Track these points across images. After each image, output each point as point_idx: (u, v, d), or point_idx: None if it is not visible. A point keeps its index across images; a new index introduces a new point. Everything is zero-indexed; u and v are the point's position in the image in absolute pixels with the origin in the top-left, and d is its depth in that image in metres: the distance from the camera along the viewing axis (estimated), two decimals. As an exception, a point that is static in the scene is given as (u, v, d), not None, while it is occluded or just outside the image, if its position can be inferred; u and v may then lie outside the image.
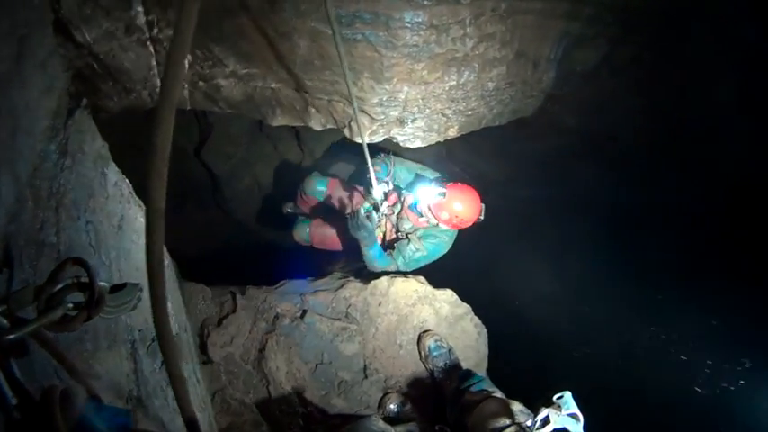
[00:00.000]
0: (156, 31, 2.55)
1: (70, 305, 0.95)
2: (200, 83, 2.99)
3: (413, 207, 3.26)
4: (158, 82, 2.95)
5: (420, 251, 3.21)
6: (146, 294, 1.88)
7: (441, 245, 3.25)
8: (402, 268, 3.26)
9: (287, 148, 4.72)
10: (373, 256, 3.17)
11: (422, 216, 3.20)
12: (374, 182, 2.99)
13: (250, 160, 4.46)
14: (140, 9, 2.34)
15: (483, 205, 3.12)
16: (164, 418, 1.73)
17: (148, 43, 2.58)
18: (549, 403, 2.14)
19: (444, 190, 3.01)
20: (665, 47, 3.28)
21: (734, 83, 3.34)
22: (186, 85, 3.00)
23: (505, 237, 4.27)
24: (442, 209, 3.02)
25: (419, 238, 3.25)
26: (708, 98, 3.38)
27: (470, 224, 3.09)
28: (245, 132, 4.34)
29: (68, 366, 1.00)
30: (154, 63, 2.77)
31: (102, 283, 1.02)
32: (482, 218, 3.15)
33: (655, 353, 3.52)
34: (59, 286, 0.96)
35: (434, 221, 3.14)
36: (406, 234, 3.33)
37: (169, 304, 2.16)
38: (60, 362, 0.99)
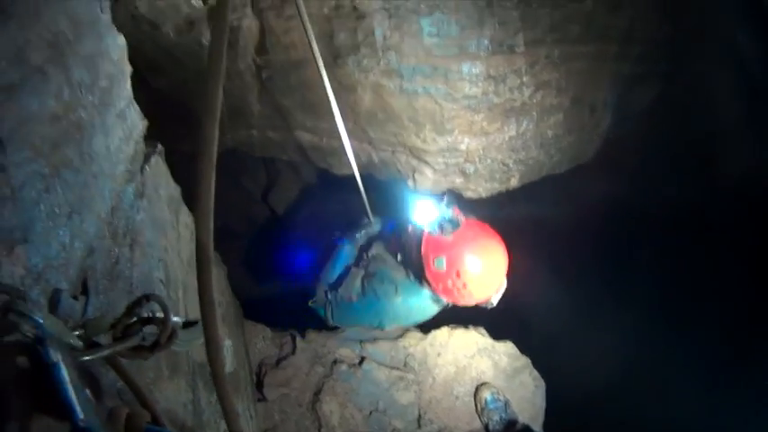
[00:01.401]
0: (225, 80, 2.80)
1: (143, 336, 1.07)
2: (269, 132, 3.22)
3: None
4: (228, 129, 3.21)
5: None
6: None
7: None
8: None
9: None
10: None
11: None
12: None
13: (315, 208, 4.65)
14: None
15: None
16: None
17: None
18: None
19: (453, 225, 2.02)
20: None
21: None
22: (255, 133, 3.24)
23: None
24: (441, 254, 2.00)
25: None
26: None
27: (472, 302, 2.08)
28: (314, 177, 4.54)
29: (134, 390, 1.10)
30: (224, 110, 3.03)
31: (175, 319, 1.14)
32: (493, 302, 2.10)
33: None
34: (135, 318, 1.09)
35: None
36: None
37: (228, 341, 2.30)
38: (128, 385, 1.09)
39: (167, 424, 1.34)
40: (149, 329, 1.08)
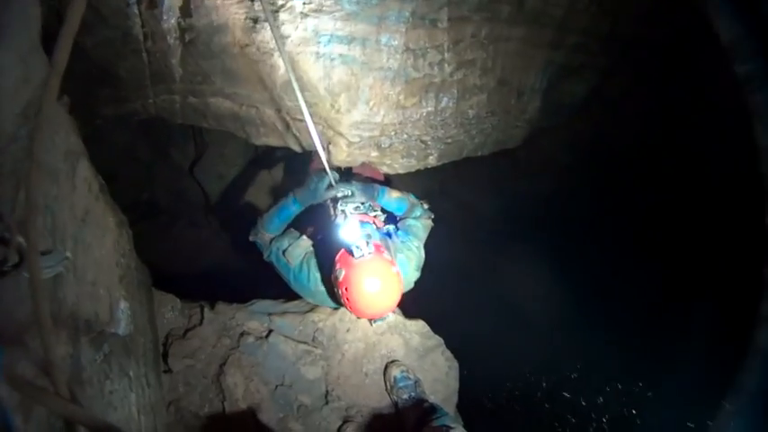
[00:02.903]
0: (150, 43, 2.88)
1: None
2: (191, 97, 3.31)
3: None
4: (151, 93, 3.30)
5: None
6: (101, 291, 2.15)
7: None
8: None
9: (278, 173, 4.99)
10: None
11: None
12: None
13: (243, 182, 4.77)
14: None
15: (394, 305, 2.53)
16: (93, 409, 1.94)
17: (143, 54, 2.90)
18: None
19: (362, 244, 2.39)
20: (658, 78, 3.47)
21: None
22: (177, 98, 3.33)
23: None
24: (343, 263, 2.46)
25: None
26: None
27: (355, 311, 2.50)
28: (240, 154, 4.66)
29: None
30: (147, 73, 3.11)
31: (21, 240, 1.26)
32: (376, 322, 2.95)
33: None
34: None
35: None
36: None
37: (125, 302, 2.42)
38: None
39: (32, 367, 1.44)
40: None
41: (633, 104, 3.64)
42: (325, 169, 2.74)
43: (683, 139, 3.69)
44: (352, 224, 2.55)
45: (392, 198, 2.93)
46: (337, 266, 2.47)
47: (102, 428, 1.12)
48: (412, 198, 2.99)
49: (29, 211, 1.03)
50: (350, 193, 2.80)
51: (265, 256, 2.91)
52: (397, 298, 2.47)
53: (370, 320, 2.99)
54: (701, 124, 3.46)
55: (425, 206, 3.00)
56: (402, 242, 2.84)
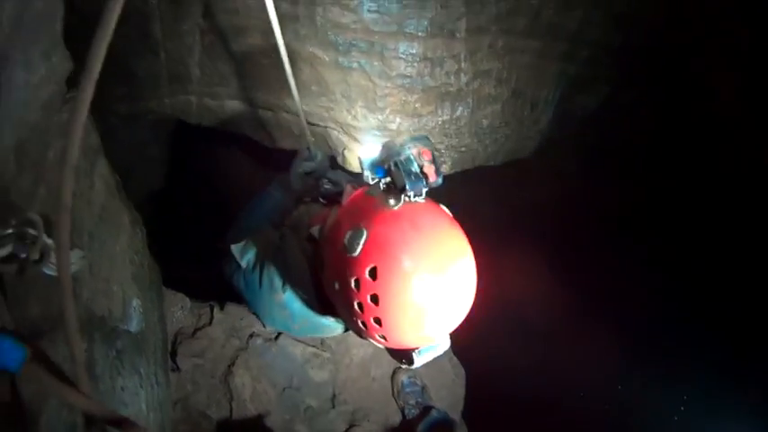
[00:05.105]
0: (168, 43, 2.87)
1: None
2: (207, 99, 3.31)
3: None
4: (167, 93, 3.29)
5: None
6: (114, 288, 2.12)
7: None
8: None
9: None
10: None
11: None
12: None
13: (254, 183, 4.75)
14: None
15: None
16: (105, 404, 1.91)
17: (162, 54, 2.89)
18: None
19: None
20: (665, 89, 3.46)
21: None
22: (193, 99, 3.32)
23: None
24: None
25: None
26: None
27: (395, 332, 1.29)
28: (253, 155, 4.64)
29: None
30: (165, 74, 3.10)
31: (49, 241, 1.24)
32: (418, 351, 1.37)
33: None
34: (10, 231, 1.18)
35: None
36: None
37: (137, 300, 2.39)
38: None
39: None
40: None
41: (644, 114, 3.63)
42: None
43: (694, 147, 3.69)
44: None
45: None
46: (347, 228, 1.30)
47: (125, 426, 1.10)
48: None
49: (59, 210, 1.01)
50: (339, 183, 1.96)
51: (225, 271, 2.04)
52: (474, 291, 1.35)
53: (409, 355, 1.38)
54: (713, 133, 3.46)
55: None
56: None
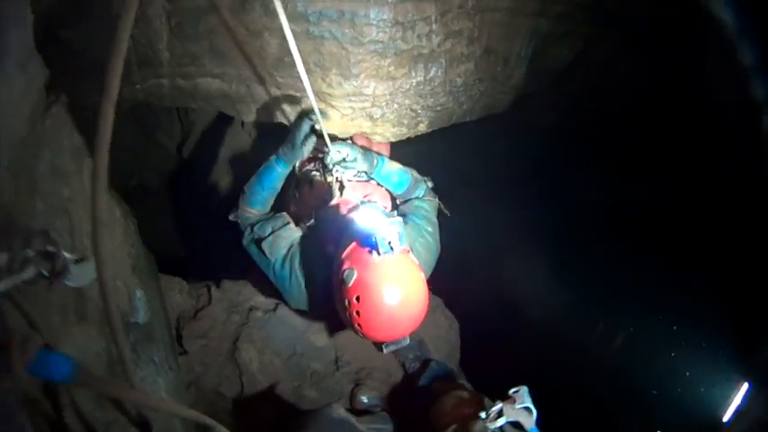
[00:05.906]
0: (135, 30, 2.79)
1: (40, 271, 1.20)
2: (179, 80, 3.25)
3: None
4: (138, 79, 3.22)
5: None
6: (118, 283, 2.15)
7: None
8: None
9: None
10: None
11: None
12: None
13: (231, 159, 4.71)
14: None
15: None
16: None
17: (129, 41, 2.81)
18: (506, 397, 2.37)
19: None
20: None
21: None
22: (165, 82, 3.26)
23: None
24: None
25: None
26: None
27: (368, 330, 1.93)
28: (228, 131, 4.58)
29: (29, 322, 1.24)
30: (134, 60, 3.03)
31: (67, 255, 1.28)
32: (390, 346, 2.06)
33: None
34: (31, 254, 1.21)
35: None
36: None
37: (140, 291, 2.43)
38: (24, 317, 1.23)
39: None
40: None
41: (618, 70, 3.66)
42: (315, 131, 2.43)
43: (670, 95, 3.72)
44: (372, 208, 2.19)
45: (393, 170, 2.58)
46: (344, 266, 1.94)
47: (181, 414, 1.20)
48: (415, 173, 2.66)
49: (95, 227, 1.06)
50: (349, 156, 2.38)
51: (244, 241, 2.48)
52: (424, 314, 1.98)
53: (379, 345, 2.07)
54: (690, 93, 3.48)
55: (429, 184, 2.71)
56: (413, 229, 2.43)
